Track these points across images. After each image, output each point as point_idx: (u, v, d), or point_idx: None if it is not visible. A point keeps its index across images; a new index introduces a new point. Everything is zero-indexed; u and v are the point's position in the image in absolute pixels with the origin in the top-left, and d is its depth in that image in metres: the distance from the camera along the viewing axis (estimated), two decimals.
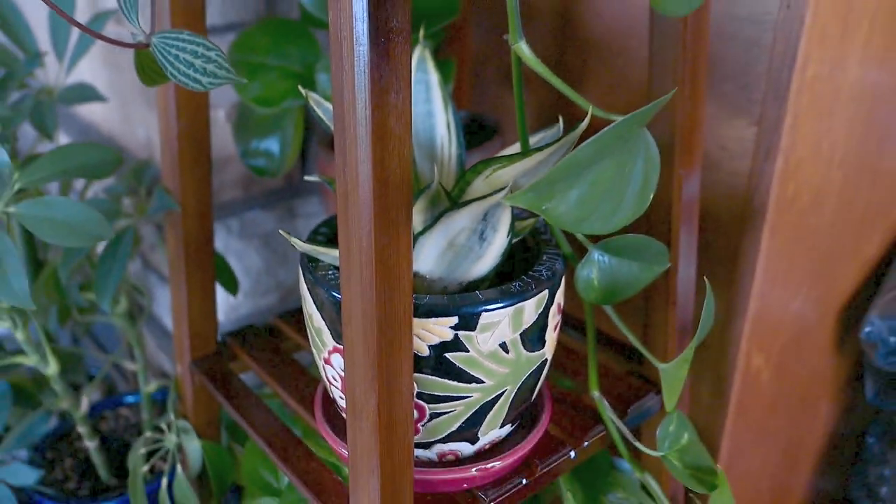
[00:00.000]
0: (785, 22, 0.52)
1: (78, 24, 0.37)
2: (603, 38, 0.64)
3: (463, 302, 0.40)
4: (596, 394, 0.50)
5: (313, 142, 0.70)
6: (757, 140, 0.55)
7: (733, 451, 0.67)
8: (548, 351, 0.45)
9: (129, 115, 0.77)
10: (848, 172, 0.63)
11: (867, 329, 0.70)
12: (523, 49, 0.37)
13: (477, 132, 0.63)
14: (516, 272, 0.47)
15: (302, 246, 0.41)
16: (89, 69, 0.79)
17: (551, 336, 0.44)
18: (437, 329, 0.40)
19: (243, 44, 0.56)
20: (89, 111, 0.89)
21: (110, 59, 0.77)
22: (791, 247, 0.61)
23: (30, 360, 0.61)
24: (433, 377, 0.41)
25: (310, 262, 0.43)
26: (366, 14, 0.31)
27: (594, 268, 0.45)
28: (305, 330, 0.66)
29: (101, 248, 0.61)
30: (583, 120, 0.36)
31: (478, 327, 0.40)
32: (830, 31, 0.53)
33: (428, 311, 0.39)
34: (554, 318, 0.44)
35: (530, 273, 0.43)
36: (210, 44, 0.37)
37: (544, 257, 0.45)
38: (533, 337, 0.43)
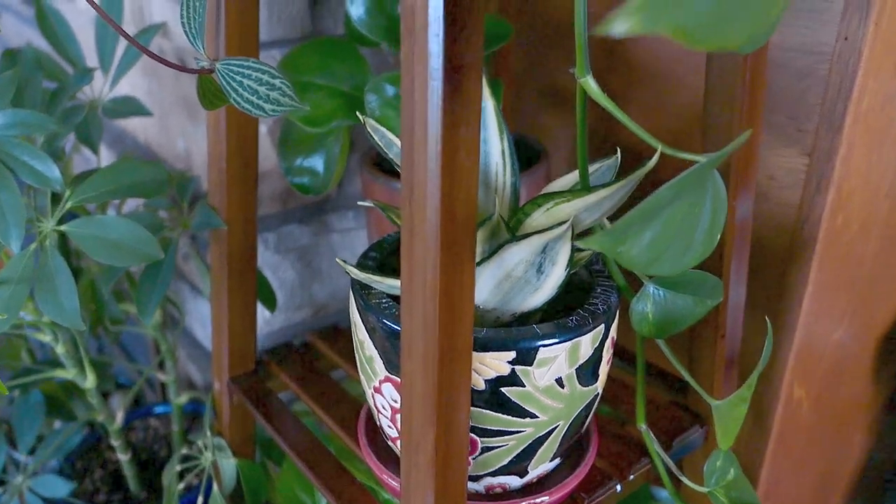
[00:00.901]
0: (842, 54, 0.51)
1: (144, 50, 0.36)
2: (647, 63, 0.64)
3: (520, 336, 0.39)
4: (643, 427, 0.50)
5: (353, 158, 0.70)
6: (808, 171, 0.55)
7: (771, 480, 0.67)
8: (600, 385, 0.44)
9: (167, 126, 0.77)
10: (894, 202, 0.62)
11: None
12: (590, 84, 0.37)
13: (522, 155, 0.63)
14: (568, 303, 0.46)
15: (358, 275, 0.41)
16: (128, 79, 0.79)
17: (604, 370, 0.44)
18: (494, 363, 0.39)
19: (291, 62, 0.55)
20: (126, 119, 0.89)
21: (150, 68, 0.77)
22: (837, 278, 0.60)
23: (68, 374, 0.61)
24: (487, 411, 0.40)
25: (362, 289, 0.43)
26: (441, 50, 0.31)
27: (649, 301, 0.44)
28: (340, 347, 0.66)
29: None
30: (643, 153, 0.36)
31: (535, 362, 0.40)
32: (886, 64, 0.52)
33: (485, 345, 0.39)
34: (608, 353, 0.44)
35: (586, 306, 0.42)
36: (275, 72, 0.37)
37: (598, 289, 0.44)
38: (587, 371, 0.42)
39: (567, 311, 0.46)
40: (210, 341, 0.86)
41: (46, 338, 0.59)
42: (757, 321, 0.60)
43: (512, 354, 0.39)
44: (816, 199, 0.54)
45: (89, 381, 0.62)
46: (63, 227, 0.46)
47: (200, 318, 0.85)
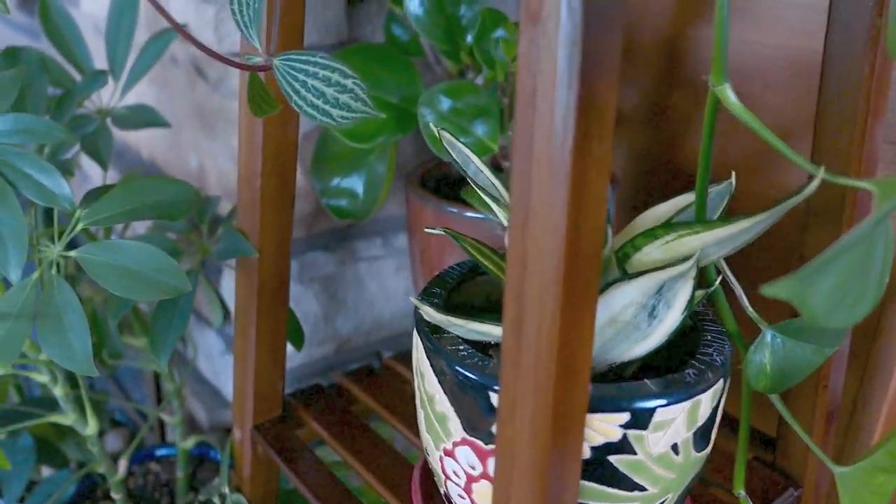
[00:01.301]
0: None
1: (197, 42, 0.30)
2: None
3: (635, 394, 0.33)
4: (742, 493, 0.43)
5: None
6: None
7: None
8: (710, 449, 0.37)
9: (178, 141, 0.70)
10: None
11: None
12: (728, 93, 0.30)
13: None
14: (671, 353, 0.39)
15: (435, 316, 0.34)
16: (135, 89, 0.73)
17: (714, 433, 0.37)
18: (604, 427, 0.33)
19: None
20: (128, 132, 0.82)
21: (160, 77, 0.70)
22: None
23: (67, 419, 0.54)
24: (591, 483, 0.34)
25: (433, 333, 0.36)
26: (579, 40, 0.24)
27: (767, 351, 0.37)
28: (376, 390, 0.58)
29: None
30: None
31: (651, 425, 0.33)
32: None
33: (594, 406, 0.32)
34: (721, 411, 0.37)
35: (701, 357, 0.36)
36: (347, 70, 0.30)
37: (708, 336, 0.37)
38: (704, 434, 0.35)
39: (666, 360, 0.40)
40: (216, 376, 0.78)
41: (42, 378, 0.51)
42: (850, 367, 0.53)
43: (625, 417, 0.32)
44: None
45: (90, 428, 0.54)
46: (72, 253, 0.39)
47: (206, 350, 0.77)
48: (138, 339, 0.68)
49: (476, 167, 0.36)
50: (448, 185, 0.56)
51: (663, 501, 0.35)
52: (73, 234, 0.40)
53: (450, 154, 0.36)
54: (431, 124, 0.46)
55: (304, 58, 0.30)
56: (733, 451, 0.51)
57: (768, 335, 0.37)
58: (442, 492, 0.40)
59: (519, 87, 0.26)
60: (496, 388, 0.33)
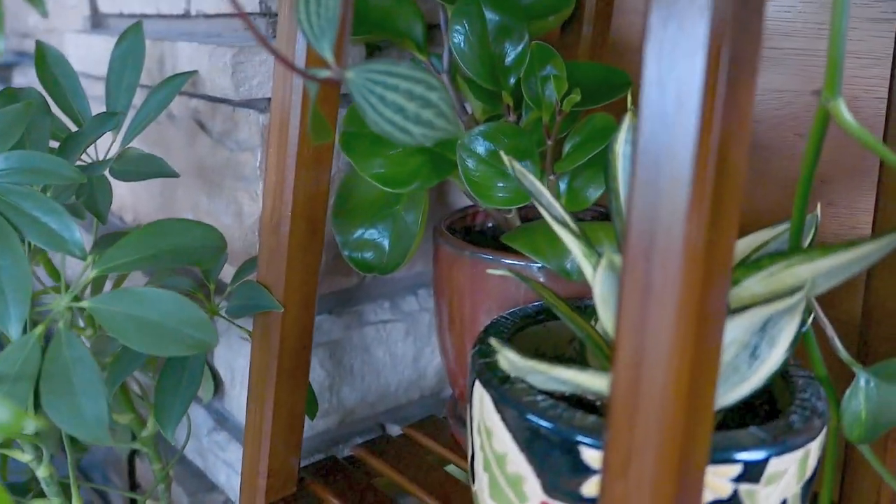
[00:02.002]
0: None
1: (297, 70, 0.26)
2: (760, 130, 0.57)
3: (746, 444, 0.29)
4: None
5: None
6: None
7: None
8: None
9: (172, 200, 0.66)
10: None
11: None
12: (841, 109, 0.28)
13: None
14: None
15: (519, 363, 0.30)
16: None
17: (811, 489, 0.34)
18: (714, 482, 0.29)
19: (357, 113, 0.46)
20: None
21: (152, 134, 0.67)
22: None
23: None
24: None
25: (502, 384, 0.32)
26: (727, 40, 0.22)
27: (862, 396, 0.34)
28: (398, 462, 0.53)
29: None
30: None
31: (763, 478, 0.29)
32: None
33: None
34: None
35: (801, 404, 0.32)
36: (433, 81, 0.27)
37: (799, 381, 0.34)
38: (806, 490, 0.32)
39: (747, 409, 0.36)
40: (202, 457, 0.72)
41: (25, 457, 0.45)
42: None
43: (738, 469, 0.29)
44: None
45: None
46: (84, 304, 0.34)
47: (193, 428, 0.71)
48: (123, 416, 0.62)
49: (549, 199, 0.33)
50: (476, 235, 0.53)
51: None
52: (84, 284, 0.35)
53: (521, 182, 0.33)
54: (471, 167, 0.43)
55: (383, 68, 0.27)
56: None
57: (862, 379, 0.34)
58: None
59: (646, 81, 0.24)
60: (588, 441, 0.29)
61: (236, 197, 0.56)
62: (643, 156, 0.24)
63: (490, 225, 0.55)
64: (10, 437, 0.43)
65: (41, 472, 0.45)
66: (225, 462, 0.68)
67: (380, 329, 0.66)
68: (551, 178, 0.45)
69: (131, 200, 0.73)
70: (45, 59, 0.53)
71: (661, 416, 0.24)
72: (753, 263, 0.30)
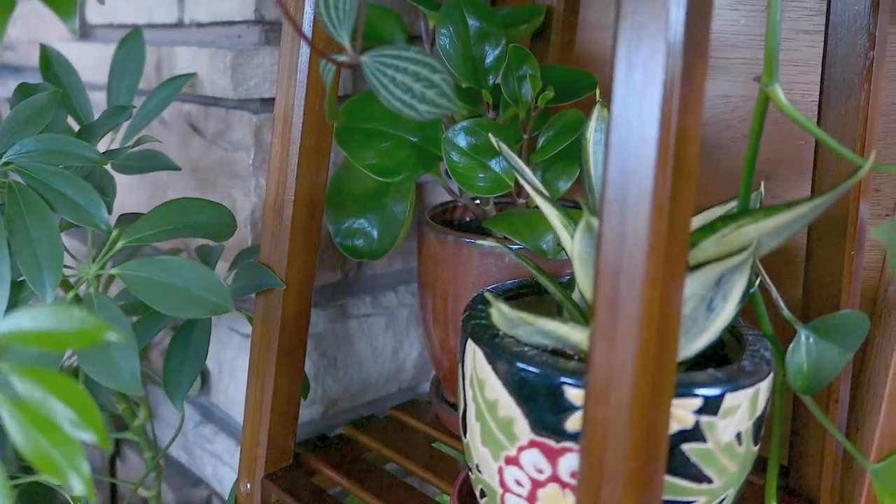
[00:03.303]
0: None
1: (326, 56, 0.31)
2: (706, 126, 0.62)
3: (705, 381, 0.34)
4: None
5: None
6: None
7: None
8: (758, 449, 0.38)
9: (162, 200, 0.69)
10: None
11: None
12: (777, 92, 0.33)
13: None
14: (710, 360, 0.41)
15: (509, 313, 0.34)
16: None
17: (762, 430, 0.38)
18: (679, 413, 0.33)
19: (353, 111, 0.50)
20: None
21: (151, 134, 0.70)
22: None
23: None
24: (665, 476, 0.34)
25: (492, 338, 0.37)
26: (683, 20, 0.27)
27: (803, 350, 0.40)
28: (387, 438, 0.56)
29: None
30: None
31: (720, 411, 0.34)
32: None
33: None
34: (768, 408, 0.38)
35: (751, 352, 0.37)
36: (437, 65, 0.31)
37: (749, 338, 0.39)
38: (758, 427, 0.36)
39: (706, 364, 0.41)
40: (187, 453, 0.74)
41: None
42: None
43: (698, 402, 0.33)
44: None
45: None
46: (113, 271, 0.38)
47: (176, 423, 0.73)
48: (117, 405, 0.64)
49: (530, 175, 0.38)
50: (456, 227, 0.58)
51: (724, 499, 0.36)
52: (111, 253, 0.39)
53: (508, 161, 0.37)
54: (455, 159, 0.47)
55: (395, 52, 0.31)
56: (757, 482, 0.52)
57: (803, 335, 0.40)
58: None
59: (617, 64, 0.28)
60: (570, 381, 0.34)
61: (230, 193, 0.60)
62: (616, 125, 0.28)
63: (468, 219, 0.60)
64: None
65: None
66: (212, 454, 0.71)
67: (362, 322, 0.69)
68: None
69: (119, 204, 0.76)
70: (50, 62, 0.56)
71: (635, 346, 0.29)
72: (708, 226, 0.35)
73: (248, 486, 0.50)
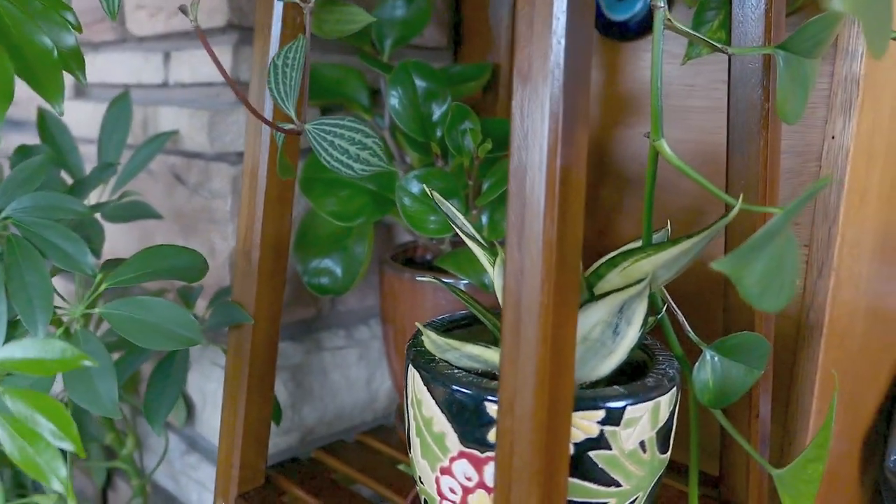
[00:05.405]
0: (830, 151, 0.56)
1: (251, 107, 0.36)
2: (638, 172, 0.68)
3: (608, 395, 0.39)
4: None
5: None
6: (808, 259, 0.58)
7: None
8: (668, 456, 0.43)
9: (151, 244, 0.74)
10: (870, 300, 0.66)
11: (893, 458, 0.71)
12: (664, 147, 0.39)
13: None
14: (626, 377, 0.46)
15: (437, 339, 0.40)
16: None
17: (671, 439, 0.43)
18: (584, 424, 0.38)
19: (315, 162, 0.56)
20: None
21: (134, 187, 0.76)
22: (836, 368, 0.62)
23: (48, 500, 0.54)
24: (574, 479, 0.39)
25: (428, 363, 0.42)
26: (560, 101, 0.32)
27: (709, 368, 0.45)
28: (356, 461, 0.61)
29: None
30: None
31: (622, 422, 0.39)
32: (862, 158, 0.58)
33: (575, 405, 0.38)
34: (675, 419, 0.43)
35: (656, 371, 0.42)
36: (368, 130, 0.37)
37: (660, 358, 0.44)
38: (664, 437, 0.41)
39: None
40: (174, 481, 0.78)
41: None
42: (772, 410, 0.61)
43: (601, 414, 0.38)
44: (819, 285, 0.58)
45: None
46: (97, 310, 0.43)
47: (158, 454, 0.78)
48: (106, 436, 0.69)
49: (461, 220, 0.43)
50: (416, 265, 0.63)
51: (635, 500, 0.41)
52: (97, 294, 0.44)
53: (440, 209, 0.43)
54: (408, 204, 0.53)
55: (333, 121, 0.37)
56: (685, 490, 0.57)
57: (708, 354, 0.45)
58: None
59: (513, 129, 0.34)
60: (491, 398, 0.39)
61: (209, 238, 0.65)
62: (514, 170, 0.34)
63: (428, 257, 0.65)
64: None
65: None
66: (197, 482, 0.76)
67: (336, 354, 0.74)
68: (474, 212, 0.56)
69: (109, 249, 0.81)
70: (46, 123, 0.62)
71: (534, 361, 0.34)
72: (610, 261, 0.40)
73: None
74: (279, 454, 0.72)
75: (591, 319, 0.40)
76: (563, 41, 0.32)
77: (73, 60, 0.34)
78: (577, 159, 0.34)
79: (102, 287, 0.44)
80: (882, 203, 0.64)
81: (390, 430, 0.67)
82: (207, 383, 0.71)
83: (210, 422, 0.72)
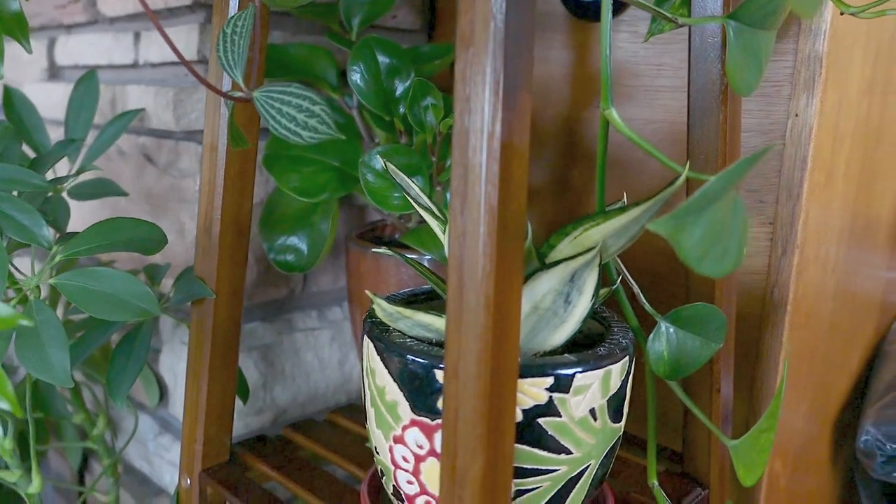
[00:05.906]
0: (794, 129, 0.57)
1: (200, 77, 0.36)
2: (610, 155, 0.68)
3: (557, 363, 0.39)
4: (655, 483, 0.49)
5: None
6: (773, 237, 0.59)
7: None
8: (622, 426, 0.43)
9: None
10: (839, 282, 0.67)
11: (864, 438, 0.71)
12: (613, 115, 0.39)
13: None
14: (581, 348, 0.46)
15: (387, 307, 0.40)
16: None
17: (625, 409, 0.44)
18: (533, 391, 0.38)
19: (278, 139, 0.56)
20: None
21: (106, 168, 0.76)
22: (802, 345, 0.63)
23: (12, 476, 0.54)
24: (523, 446, 0.39)
25: (382, 333, 0.42)
26: (502, 65, 0.32)
27: (664, 340, 0.45)
28: (324, 439, 0.61)
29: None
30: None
31: (571, 389, 0.39)
32: (828, 135, 0.58)
33: (523, 372, 0.38)
34: (629, 391, 0.43)
35: (609, 340, 0.42)
36: (316, 98, 0.37)
37: (615, 329, 0.45)
38: (616, 406, 0.42)
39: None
40: (148, 462, 0.79)
41: None
42: (738, 388, 0.61)
43: (550, 381, 0.38)
44: (783, 262, 0.58)
45: (34, 486, 0.55)
46: (50, 281, 0.43)
47: (139, 434, 0.78)
48: (76, 416, 0.69)
49: (416, 191, 0.43)
50: (383, 244, 0.63)
51: (587, 467, 0.41)
52: (51, 265, 0.44)
53: (394, 179, 0.43)
54: (370, 180, 0.53)
55: (280, 88, 0.37)
56: (646, 466, 0.57)
57: (663, 326, 0.45)
58: (390, 492, 0.44)
59: (456, 94, 0.34)
60: (441, 366, 0.39)
61: (179, 217, 0.65)
62: (457, 135, 0.34)
63: (396, 236, 0.65)
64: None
65: (6, 444, 0.53)
66: (170, 462, 0.76)
67: (308, 335, 0.74)
68: (438, 188, 0.56)
69: (80, 227, 0.81)
70: (12, 100, 0.62)
71: (477, 326, 0.34)
72: (561, 230, 0.41)
73: (188, 480, 0.55)
74: (252, 434, 0.73)
75: (542, 288, 0.40)
76: (503, 5, 0.32)
77: (17, 26, 0.34)
78: (520, 124, 0.34)
79: (57, 258, 0.44)
80: (850, 184, 0.65)
81: (361, 410, 0.68)
82: (179, 363, 0.71)
83: (182, 402, 0.72)
